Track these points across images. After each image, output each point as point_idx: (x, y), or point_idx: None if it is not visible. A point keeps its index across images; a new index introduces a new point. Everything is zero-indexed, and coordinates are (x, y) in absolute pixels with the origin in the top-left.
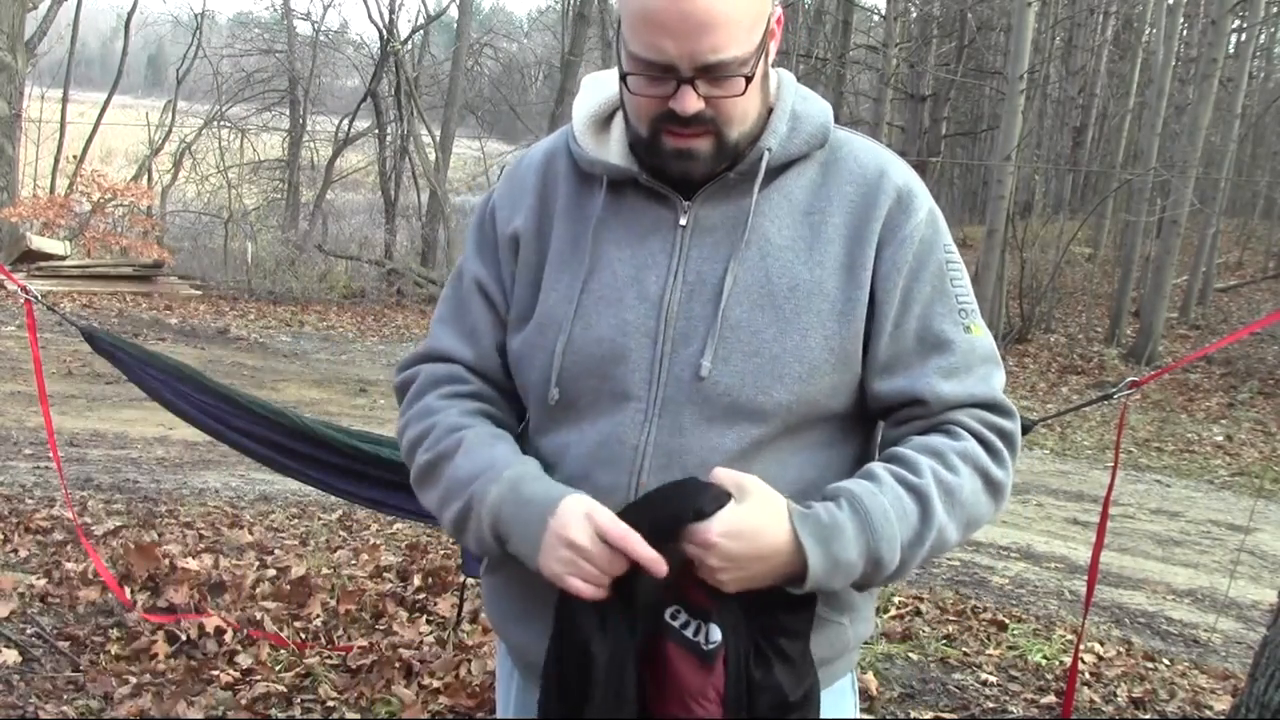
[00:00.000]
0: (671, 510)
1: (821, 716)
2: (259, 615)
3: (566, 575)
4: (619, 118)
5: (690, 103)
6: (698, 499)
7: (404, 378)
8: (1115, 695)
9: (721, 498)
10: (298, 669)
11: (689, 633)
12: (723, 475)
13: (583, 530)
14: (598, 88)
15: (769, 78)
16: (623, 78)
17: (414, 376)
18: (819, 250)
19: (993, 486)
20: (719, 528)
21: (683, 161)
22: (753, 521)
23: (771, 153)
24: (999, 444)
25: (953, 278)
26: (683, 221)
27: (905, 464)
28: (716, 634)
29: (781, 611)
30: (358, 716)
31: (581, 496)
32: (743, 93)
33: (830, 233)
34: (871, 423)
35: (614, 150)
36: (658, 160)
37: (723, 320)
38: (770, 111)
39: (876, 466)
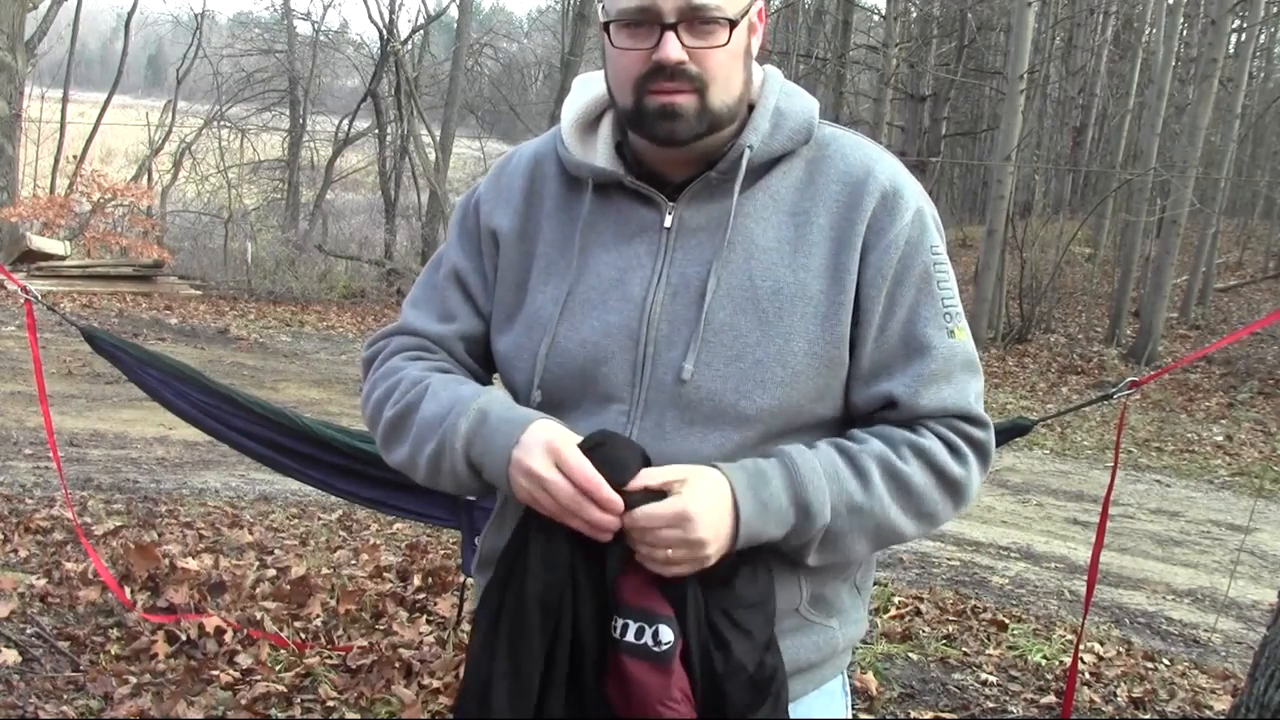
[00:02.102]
0: (621, 459)
1: (812, 718)
2: (259, 615)
3: (529, 487)
4: (607, 119)
5: (673, 50)
6: (637, 460)
7: (371, 352)
8: (1115, 695)
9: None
10: (298, 669)
11: (634, 637)
12: (653, 477)
13: (542, 461)
14: (586, 89)
15: (750, 62)
16: (605, 27)
17: (382, 348)
18: (803, 252)
19: (949, 484)
20: (667, 510)
21: (667, 121)
22: (699, 503)
23: (753, 150)
24: (964, 446)
25: (939, 280)
26: (667, 223)
27: (850, 438)
28: (666, 634)
29: (737, 581)
30: (358, 716)
31: (547, 423)
32: (726, 42)
33: (815, 235)
34: None
35: (600, 153)
36: (642, 124)
37: (705, 323)
38: (752, 108)
39: (822, 440)
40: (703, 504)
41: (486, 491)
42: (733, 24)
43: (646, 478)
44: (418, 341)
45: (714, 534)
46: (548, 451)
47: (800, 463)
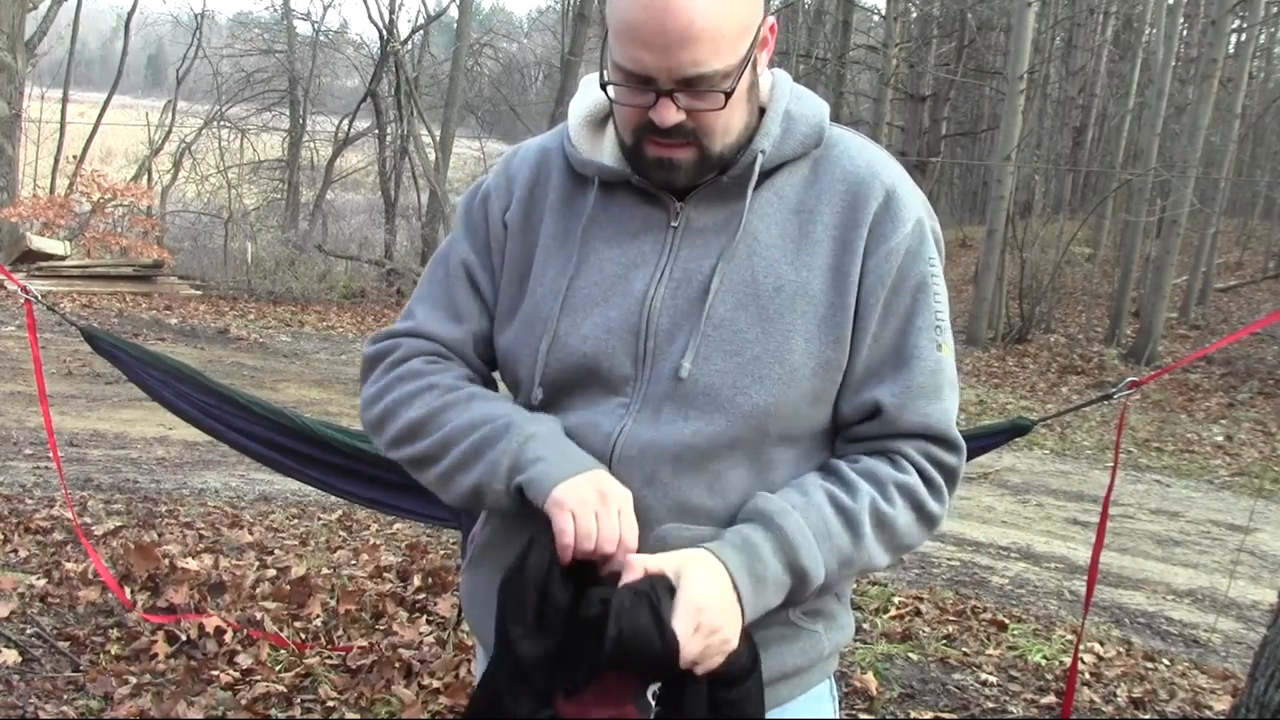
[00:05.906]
0: (646, 654)
1: (799, 718)
2: (259, 615)
3: (572, 510)
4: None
5: (669, 115)
6: (658, 631)
7: (379, 349)
8: (1115, 695)
9: (666, 590)
10: (298, 669)
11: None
12: (648, 564)
13: (622, 498)
14: (593, 88)
15: (757, 87)
16: (603, 86)
17: (394, 347)
18: (807, 250)
19: (926, 518)
20: (686, 628)
21: (663, 171)
22: (701, 593)
23: (765, 155)
24: (939, 480)
25: (934, 292)
26: (674, 222)
27: (844, 485)
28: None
29: (724, 669)
30: (358, 716)
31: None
32: (722, 107)
33: (819, 232)
34: None
35: (607, 151)
36: (641, 168)
37: (706, 319)
38: (763, 113)
39: (812, 483)
40: (705, 592)
41: (480, 502)
42: (738, 73)
43: (643, 562)
44: (433, 347)
45: (727, 619)
46: (629, 498)
47: (788, 527)
